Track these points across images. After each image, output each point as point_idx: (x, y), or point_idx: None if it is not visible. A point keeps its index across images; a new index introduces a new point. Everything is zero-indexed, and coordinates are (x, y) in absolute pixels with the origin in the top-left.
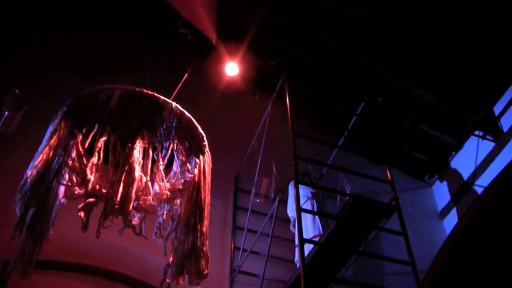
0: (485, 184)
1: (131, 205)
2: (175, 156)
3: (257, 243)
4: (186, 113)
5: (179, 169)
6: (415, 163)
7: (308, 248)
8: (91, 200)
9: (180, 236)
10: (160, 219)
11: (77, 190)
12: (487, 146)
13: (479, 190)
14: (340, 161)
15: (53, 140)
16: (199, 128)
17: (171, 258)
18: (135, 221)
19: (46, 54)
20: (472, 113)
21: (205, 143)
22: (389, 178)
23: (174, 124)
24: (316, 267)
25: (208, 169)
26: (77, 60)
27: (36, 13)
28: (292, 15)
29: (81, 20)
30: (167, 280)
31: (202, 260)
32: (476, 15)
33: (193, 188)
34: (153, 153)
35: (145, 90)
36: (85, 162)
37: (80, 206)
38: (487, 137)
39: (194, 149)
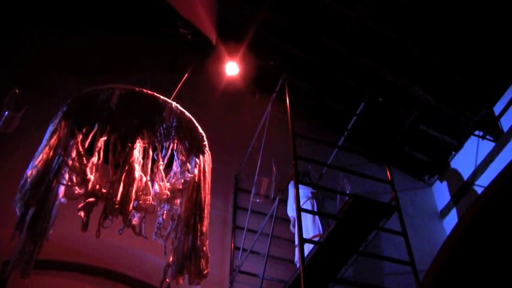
0: (485, 184)
1: (131, 205)
2: (175, 156)
3: (257, 243)
4: (186, 112)
5: (179, 169)
6: (415, 163)
7: (308, 248)
8: (91, 199)
9: (180, 236)
10: (160, 219)
11: (77, 190)
12: (487, 146)
13: (479, 190)
14: (340, 161)
15: (53, 140)
16: (199, 127)
17: (171, 258)
18: (135, 220)
19: (46, 54)
20: (472, 113)
21: (205, 142)
22: (390, 178)
23: (174, 124)
24: (316, 267)
25: (208, 169)
26: (77, 60)
27: (36, 13)
28: (292, 15)
29: (81, 20)
30: (167, 280)
31: (202, 260)
32: (476, 15)
33: (193, 188)
34: (153, 153)
35: (145, 90)
36: (85, 162)
37: (80, 205)
38: (487, 137)
39: (194, 149)
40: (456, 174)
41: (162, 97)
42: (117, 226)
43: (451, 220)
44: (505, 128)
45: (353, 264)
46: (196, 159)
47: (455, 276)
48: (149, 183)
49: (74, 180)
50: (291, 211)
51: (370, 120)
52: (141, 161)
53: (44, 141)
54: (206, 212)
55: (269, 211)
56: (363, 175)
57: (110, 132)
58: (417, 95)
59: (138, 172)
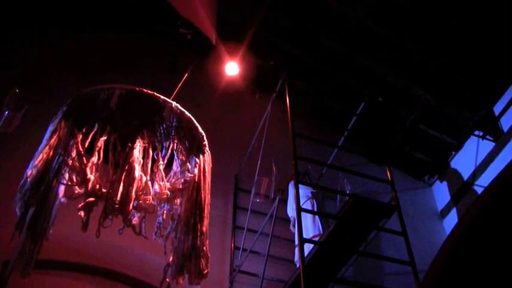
0: (485, 184)
1: (131, 205)
2: (175, 156)
3: (257, 243)
4: (186, 112)
5: (179, 169)
6: (415, 163)
7: (308, 247)
8: (91, 199)
9: (180, 236)
10: (160, 218)
11: (77, 189)
12: (487, 146)
13: (479, 190)
14: (340, 161)
15: (53, 140)
16: (199, 127)
17: (171, 258)
18: (135, 220)
19: (46, 54)
20: (472, 113)
21: (205, 142)
22: (390, 178)
23: (174, 124)
24: (316, 267)
25: (208, 169)
26: (77, 60)
27: (36, 13)
28: (292, 15)
29: (81, 20)
30: (167, 280)
31: (202, 260)
32: (476, 15)
33: (193, 188)
34: (153, 152)
35: (145, 90)
36: (85, 161)
37: (80, 205)
38: (487, 137)
39: (194, 149)
40: (456, 174)
41: (162, 97)
42: (117, 226)
43: (451, 220)
44: (505, 128)
45: (353, 264)
46: (196, 159)
47: (455, 276)
48: (149, 183)
49: (74, 180)
50: (291, 211)
51: (370, 120)
52: (141, 160)
53: (44, 141)
54: (206, 211)
55: (269, 211)
56: (363, 175)
57: (110, 132)
58: (417, 95)
59: (138, 172)
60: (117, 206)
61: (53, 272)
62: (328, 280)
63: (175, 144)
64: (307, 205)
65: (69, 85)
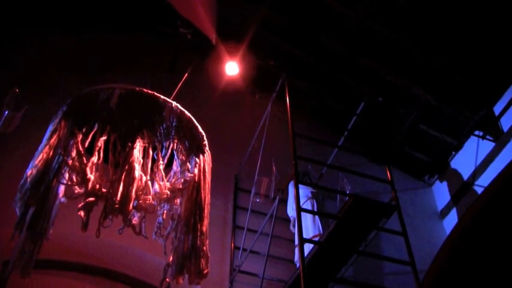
0: (485, 184)
1: (131, 204)
2: (175, 156)
3: (257, 243)
4: (186, 112)
5: (179, 168)
6: (415, 163)
7: (308, 247)
8: (91, 199)
9: (180, 236)
10: (160, 218)
11: (77, 189)
12: (487, 146)
13: (479, 190)
14: (340, 161)
15: (53, 140)
16: (199, 127)
17: (171, 258)
18: (135, 220)
19: (46, 54)
20: (472, 113)
21: (205, 142)
22: (389, 178)
23: (174, 123)
24: (316, 267)
25: (208, 169)
26: (77, 60)
27: (36, 13)
28: (292, 15)
29: (81, 20)
30: (167, 279)
31: (202, 260)
32: (476, 15)
33: (193, 188)
34: (153, 152)
35: (145, 90)
36: (85, 161)
37: (80, 205)
38: (487, 137)
39: (194, 149)
40: (456, 174)
41: (162, 97)
42: (117, 226)
43: (451, 220)
44: (505, 128)
45: (353, 264)
46: (196, 159)
47: (455, 276)
48: (149, 182)
49: (74, 179)
50: (291, 211)
51: (370, 120)
52: (141, 160)
53: (44, 141)
54: (206, 211)
55: (269, 211)
56: (363, 175)
57: (110, 131)
58: (417, 95)
59: (138, 172)
60: (117, 206)
61: (53, 272)
62: (328, 280)
63: (175, 144)
64: (307, 205)
65: (69, 85)
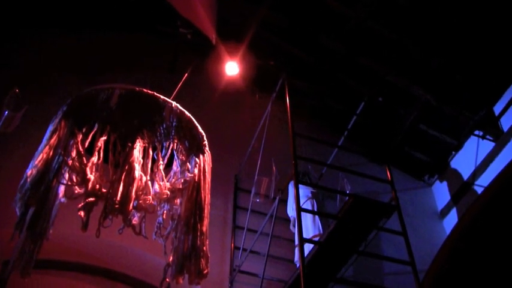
0: (485, 184)
1: (131, 204)
2: (175, 156)
3: (257, 243)
4: (186, 112)
5: (179, 168)
6: (415, 163)
7: (308, 247)
8: (91, 199)
9: (180, 236)
10: (160, 218)
11: (77, 189)
12: (487, 146)
13: (479, 190)
14: (340, 161)
15: (53, 140)
16: (199, 127)
17: (171, 258)
18: (135, 220)
19: (46, 54)
20: (472, 113)
21: (205, 142)
22: (389, 178)
23: (174, 123)
24: (316, 267)
25: (208, 169)
26: (77, 60)
27: (36, 13)
28: (292, 15)
29: (81, 20)
30: (167, 279)
31: (202, 260)
32: (476, 15)
33: (193, 188)
34: (153, 152)
35: (145, 90)
36: (85, 161)
37: (80, 205)
38: (487, 137)
39: (194, 149)
40: (456, 174)
41: (162, 97)
42: (117, 226)
43: (451, 220)
44: (505, 128)
45: (353, 264)
46: (196, 159)
47: (455, 276)
48: (149, 182)
49: (74, 179)
50: (291, 211)
51: (370, 120)
52: (141, 160)
53: (44, 141)
54: (206, 211)
55: (269, 211)
56: (363, 175)
57: (110, 131)
58: (417, 95)
59: (138, 172)
60: (117, 206)
61: (53, 272)
62: (328, 280)
63: (175, 144)
64: (307, 205)
65: (69, 85)
